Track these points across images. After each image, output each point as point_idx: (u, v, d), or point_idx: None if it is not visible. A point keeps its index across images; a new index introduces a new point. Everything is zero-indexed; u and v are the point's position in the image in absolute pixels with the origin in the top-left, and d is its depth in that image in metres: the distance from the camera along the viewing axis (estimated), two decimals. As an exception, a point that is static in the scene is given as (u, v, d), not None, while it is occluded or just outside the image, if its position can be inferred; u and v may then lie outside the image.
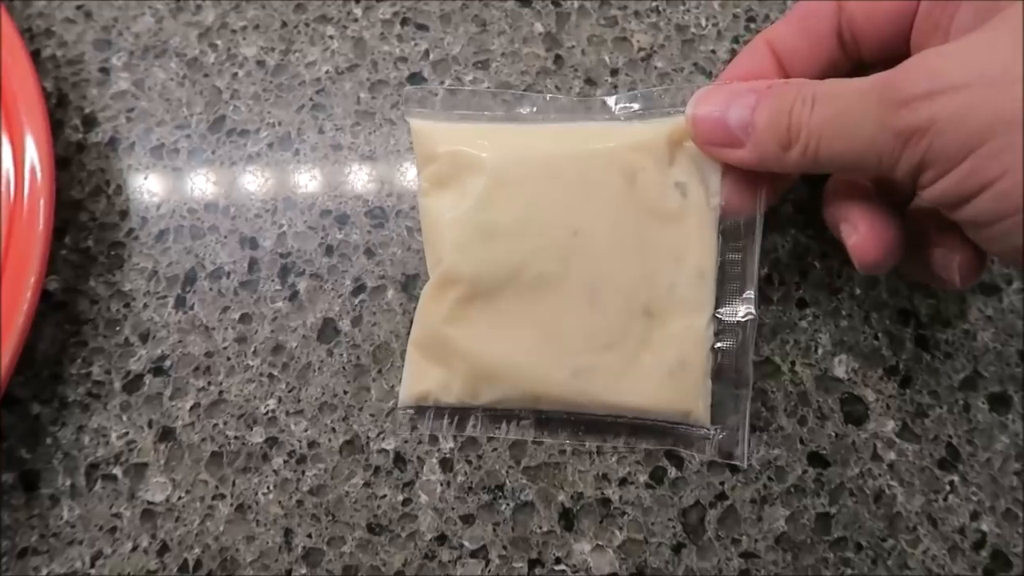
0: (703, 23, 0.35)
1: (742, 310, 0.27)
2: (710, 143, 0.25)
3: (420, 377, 0.27)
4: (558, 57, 0.35)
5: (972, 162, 0.20)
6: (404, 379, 0.27)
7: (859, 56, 0.25)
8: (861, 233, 0.24)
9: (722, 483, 0.28)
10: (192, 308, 0.31)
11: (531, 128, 0.28)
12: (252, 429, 0.29)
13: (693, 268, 0.26)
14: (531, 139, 0.27)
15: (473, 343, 0.26)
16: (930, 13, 0.23)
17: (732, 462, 0.27)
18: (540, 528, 0.28)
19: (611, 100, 0.28)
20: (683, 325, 0.26)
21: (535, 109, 0.29)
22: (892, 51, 0.25)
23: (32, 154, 0.30)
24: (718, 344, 0.27)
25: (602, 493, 0.28)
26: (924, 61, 0.20)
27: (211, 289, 0.31)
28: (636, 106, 0.28)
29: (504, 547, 0.27)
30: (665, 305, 0.26)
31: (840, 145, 0.21)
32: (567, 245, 0.26)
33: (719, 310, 0.27)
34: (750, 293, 0.27)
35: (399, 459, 0.28)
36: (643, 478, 0.28)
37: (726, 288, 0.27)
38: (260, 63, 0.35)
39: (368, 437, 0.29)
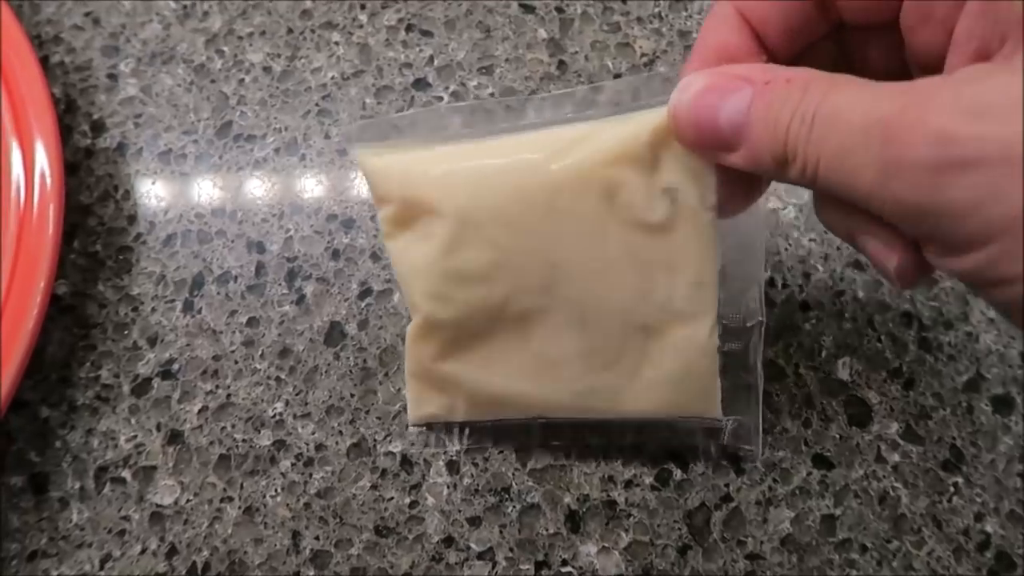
0: (706, 28, 0.36)
1: (747, 313, 0.26)
2: (697, 146, 0.22)
3: (423, 404, 0.27)
4: (561, 63, 0.35)
5: (982, 257, 0.17)
6: (408, 405, 0.27)
7: (839, 17, 0.22)
8: (900, 254, 0.20)
9: (727, 485, 0.28)
10: (200, 312, 0.31)
11: (495, 145, 0.24)
12: (260, 432, 0.29)
13: (690, 277, 0.24)
14: (495, 161, 0.24)
15: (468, 377, 0.26)
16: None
17: (747, 447, 0.27)
18: (546, 530, 0.28)
19: (588, 95, 0.25)
20: (684, 336, 0.25)
21: (499, 120, 0.26)
22: (877, 18, 0.21)
23: (42, 160, 0.30)
24: (724, 347, 0.26)
25: (608, 495, 0.28)
26: (927, 116, 0.16)
27: (218, 293, 0.31)
28: (611, 101, 0.25)
29: (511, 549, 0.27)
30: (662, 318, 0.25)
31: (837, 182, 0.19)
32: (548, 277, 0.24)
33: (723, 314, 0.25)
34: (755, 293, 0.26)
35: (406, 462, 0.29)
36: (649, 480, 0.28)
37: (730, 289, 0.26)
38: (266, 69, 0.35)
39: (375, 440, 0.29)
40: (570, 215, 0.23)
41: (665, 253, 0.24)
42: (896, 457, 0.28)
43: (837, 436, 0.29)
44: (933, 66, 0.19)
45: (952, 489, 0.28)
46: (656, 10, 0.36)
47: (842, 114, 0.18)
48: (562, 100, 0.26)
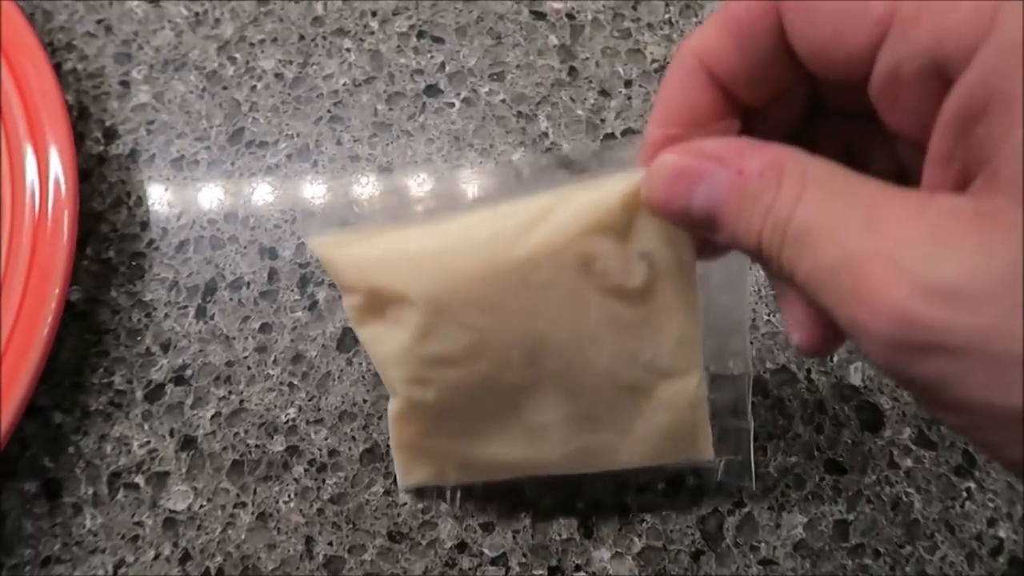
0: (715, 35, 0.36)
1: (733, 364, 0.26)
2: (676, 225, 0.21)
3: (412, 473, 0.27)
4: (572, 69, 0.35)
5: (963, 422, 0.16)
6: (397, 473, 0.27)
7: (812, 72, 0.19)
8: (806, 335, 0.20)
9: (740, 490, 0.28)
10: (212, 318, 0.31)
11: (460, 224, 0.23)
12: (273, 438, 0.29)
13: (674, 335, 0.23)
14: (463, 242, 0.23)
15: (456, 448, 0.26)
16: (892, 78, 0.17)
17: (739, 482, 0.27)
18: (560, 535, 0.28)
19: (551, 159, 0.24)
20: (671, 392, 0.24)
21: (462, 197, 0.24)
22: (851, 78, 0.18)
23: (56, 167, 0.30)
24: (712, 396, 0.25)
25: (621, 500, 0.28)
26: (892, 288, 0.15)
27: (231, 299, 0.31)
28: (582, 165, 0.24)
29: (524, 554, 0.27)
30: (649, 378, 0.24)
31: (813, 300, 0.17)
32: (530, 352, 0.23)
33: (709, 365, 0.25)
34: (741, 343, 0.26)
35: (419, 467, 0.29)
36: (661, 486, 0.28)
37: (715, 335, 0.25)
38: (278, 76, 0.36)
39: (388, 445, 0.29)
40: (547, 290, 0.22)
41: (647, 316, 0.23)
42: (909, 462, 0.28)
43: (849, 441, 0.29)
44: (911, 141, 0.18)
45: (965, 494, 0.28)
46: (667, 16, 0.36)
47: (812, 242, 0.17)
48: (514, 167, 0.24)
